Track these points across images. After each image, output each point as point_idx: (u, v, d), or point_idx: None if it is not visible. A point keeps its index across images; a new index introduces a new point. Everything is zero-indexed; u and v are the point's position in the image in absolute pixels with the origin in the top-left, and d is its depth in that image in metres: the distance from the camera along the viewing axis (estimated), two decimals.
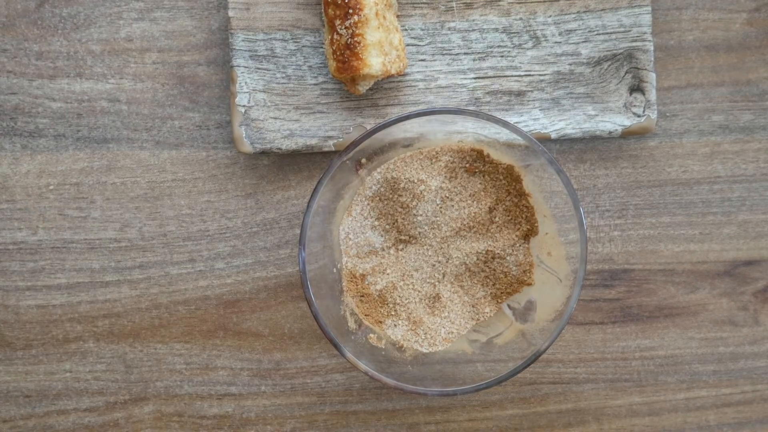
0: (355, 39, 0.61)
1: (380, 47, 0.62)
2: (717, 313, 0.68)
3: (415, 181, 0.63)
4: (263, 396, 0.68)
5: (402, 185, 0.63)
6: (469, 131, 0.61)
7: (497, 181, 0.63)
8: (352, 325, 0.63)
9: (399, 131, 0.60)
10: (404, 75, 0.66)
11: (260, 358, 0.68)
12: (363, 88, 0.64)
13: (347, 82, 0.64)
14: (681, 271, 0.68)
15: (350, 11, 0.61)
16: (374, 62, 0.62)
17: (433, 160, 0.63)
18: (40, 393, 0.68)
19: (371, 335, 0.63)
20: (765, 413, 0.68)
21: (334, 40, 0.62)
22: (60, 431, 0.68)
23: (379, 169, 0.63)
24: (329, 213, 0.63)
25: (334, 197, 0.62)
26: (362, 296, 0.64)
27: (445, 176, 0.63)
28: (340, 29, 0.62)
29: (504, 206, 0.63)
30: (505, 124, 0.58)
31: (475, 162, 0.63)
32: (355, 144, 0.58)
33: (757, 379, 0.68)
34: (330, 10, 0.62)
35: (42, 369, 0.68)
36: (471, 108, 0.63)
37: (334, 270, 0.64)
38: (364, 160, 0.62)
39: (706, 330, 0.68)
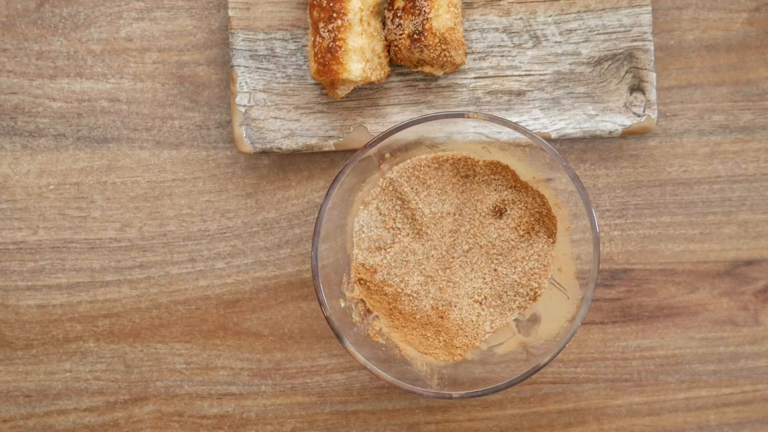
0: (337, 43, 0.61)
1: (362, 53, 0.62)
2: (717, 312, 0.68)
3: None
4: (263, 396, 0.68)
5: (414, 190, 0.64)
6: (470, 131, 0.62)
7: (523, 197, 0.63)
8: (355, 317, 0.63)
9: (422, 131, 0.60)
10: (404, 75, 0.66)
11: (260, 357, 0.68)
12: (342, 92, 0.64)
13: (327, 85, 0.64)
14: (681, 270, 0.68)
15: (334, 15, 0.61)
16: (354, 68, 0.62)
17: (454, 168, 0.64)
18: (40, 393, 0.68)
19: (372, 329, 0.63)
20: (765, 413, 0.68)
21: (317, 43, 0.62)
22: (60, 431, 0.68)
23: (397, 168, 0.63)
24: (346, 204, 0.63)
25: (352, 189, 0.62)
26: (369, 289, 0.64)
27: (462, 186, 0.64)
28: (323, 32, 0.62)
29: (526, 219, 0.63)
30: (516, 127, 0.58)
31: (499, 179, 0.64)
32: (376, 141, 0.58)
33: (757, 378, 0.68)
34: (315, 13, 0.62)
35: (42, 369, 0.68)
36: (507, 120, 0.62)
37: (342, 261, 0.64)
38: (388, 155, 0.62)
39: (707, 330, 0.68)
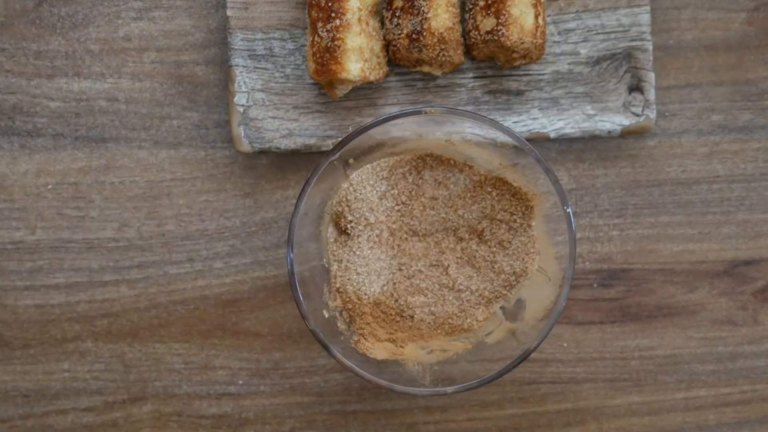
0: (335, 43, 0.61)
1: (360, 53, 0.62)
2: (716, 312, 0.68)
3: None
4: (262, 396, 0.68)
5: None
6: (467, 131, 0.61)
7: (483, 187, 0.64)
8: (341, 325, 0.63)
9: (382, 132, 0.60)
10: (403, 75, 0.66)
11: (259, 357, 0.68)
12: (341, 92, 0.64)
13: (325, 85, 0.64)
14: (680, 270, 0.68)
15: (332, 15, 0.61)
16: (352, 67, 0.62)
17: (414, 168, 0.64)
18: (38, 393, 0.68)
19: (357, 338, 0.63)
20: (764, 413, 0.68)
21: (315, 42, 0.62)
22: (59, 431, 0.68)
23: (356, 173, 0.63)
24: (320, 213, 0.63)
25: (324, 198, 0.62)
26: (347, 304, 0.64)
27: (434, 183, 0.64)
28: (322, 32, 0.62)
29: (500, 206, 0.63)
30: (474, 117, 0.58)
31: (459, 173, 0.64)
32: (341, 145, 0.58)
33: (756, 378, 0.68)
34: (313, 12, 0.62)
35: (40, 369, 0.68)
36: (466, 111, 0.63)
37: (321, 271, 0.64)
38: (351, 161, 0.62)
39: (705, 330, 0.68)
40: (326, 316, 0.62)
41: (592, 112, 0.65)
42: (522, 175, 0.62)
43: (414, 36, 0.62)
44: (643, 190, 0.68)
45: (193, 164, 0.68)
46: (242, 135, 0.65)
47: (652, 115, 0.65)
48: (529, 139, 0.66)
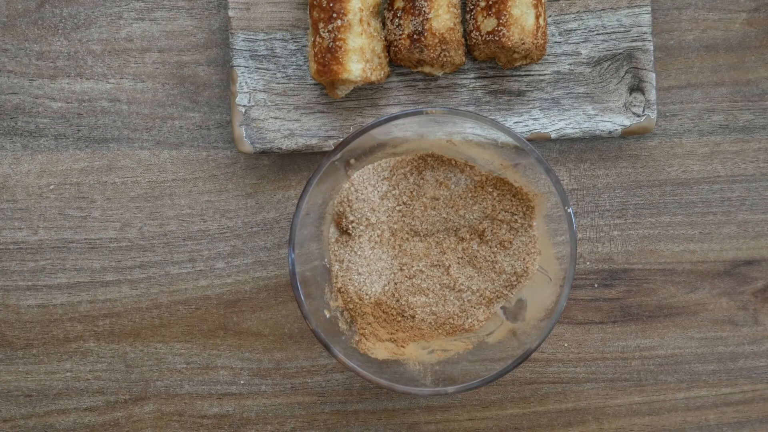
0: (337, 43, 0.61)
1: (362, 53, 0.62)
2: (717, 312, 0.68)
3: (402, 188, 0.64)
4: (263, 395, 0.68)
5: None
6: (468, 131, 0.62)
7: (485, 186, 0.64)
8: (342, 325, 0.63)
9: (383, 132, 0.60)
10: (404, 75, 0.66)
11: (260, 357, 0.68)
12: (342, 92, 0.64)
13: (327, 85, 0.64)
14: (681, 270, 0.68)
15: (334, 15, 0.61)
16: (354, 68, 0.62)
17: (417, 167, 0.64)
18: (40, 392, 0.68)
19: (359, 338, 0.63)
20: (765, 412, 0.68)
21: (317, 43, 0.62)
22: (60, 430, 0.68)
23: (358, 173, 0.63)
24: (321, 214, 0.63)
25: (325, 198, 0.62)
26: (349, 303, 0.64)
27: (435, 183, 0.64)
28: (323, 32, 0.62)
29: (501, 206, 0.64)
30: (476, 117, 0.58)
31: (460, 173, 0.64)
32: (342, 145, 0.58)
33: (756, 378, 0.68)
34: (315, 13, 0.62)
35: (42, 368, 0.68)
36: (468, 111, 0.63)
37: (323, 265, 0.64)
38: (353, 161, 0.62)
39: (706, 329, 0.68)
40: (327, 316, 0.62)
41: (593, 113, 0.66)
42: (523, 175, 0.62)
43: (415, 36, 0.62)
44: (643, 191, 0.68)
45: (194, 165, 0.68)
46: (244, 135, 0.65)
47: (653, 115, 0.65)
48: (530, 140, 0.66)
